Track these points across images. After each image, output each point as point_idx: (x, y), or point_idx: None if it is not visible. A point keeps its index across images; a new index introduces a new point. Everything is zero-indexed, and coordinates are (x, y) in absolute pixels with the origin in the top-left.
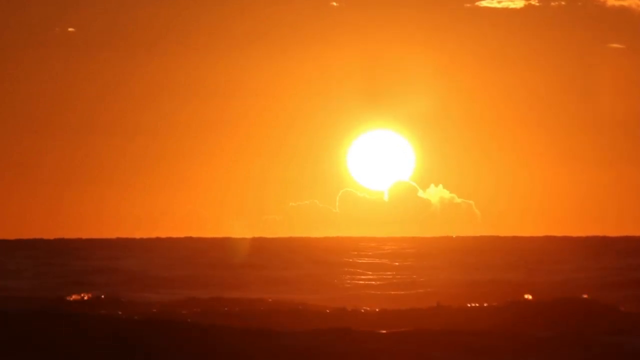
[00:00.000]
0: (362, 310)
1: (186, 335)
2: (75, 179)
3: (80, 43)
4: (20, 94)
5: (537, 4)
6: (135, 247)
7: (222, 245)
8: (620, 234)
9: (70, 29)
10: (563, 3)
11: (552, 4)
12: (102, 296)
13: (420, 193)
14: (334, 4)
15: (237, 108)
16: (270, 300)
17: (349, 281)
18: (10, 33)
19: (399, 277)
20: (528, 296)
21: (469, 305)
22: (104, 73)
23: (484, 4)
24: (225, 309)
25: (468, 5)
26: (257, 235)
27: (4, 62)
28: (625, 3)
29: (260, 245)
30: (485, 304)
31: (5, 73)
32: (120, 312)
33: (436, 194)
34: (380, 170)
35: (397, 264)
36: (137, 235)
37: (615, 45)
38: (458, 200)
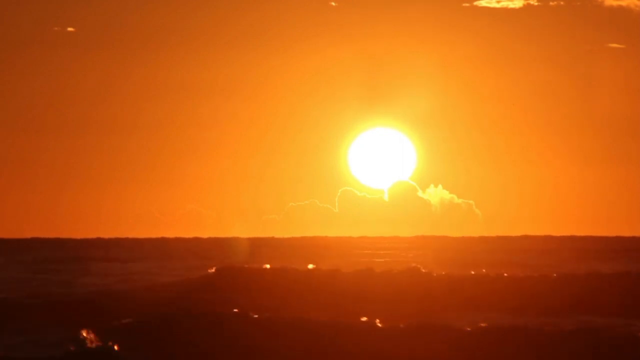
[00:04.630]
0: None
1: None
2: (74, 179)
3: (79, 43)
4: (19, 93)
5: (536, 4)
6: (135, 247)
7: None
8: (620, 235)
9: (69, 29)
10: (562, 3)
11: (551, 3)
12: None
13: (420, 193)
14: (333, 3)
15: (237, 107)
16: None
17: None
18: (9, 32)
19: None
20: None
21: None
22: (104, 72)
23: (482, 3)
24: None
25: (466, 5)
26: (256, 235)
27: (3, 61)
28: (623, 3)
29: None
30: None
31: (5, 72)
32: None
33: (436, 194)
34: (381, 169)
35: None
36: (136, 235)
37: (614, 45)
38: (458, 200)
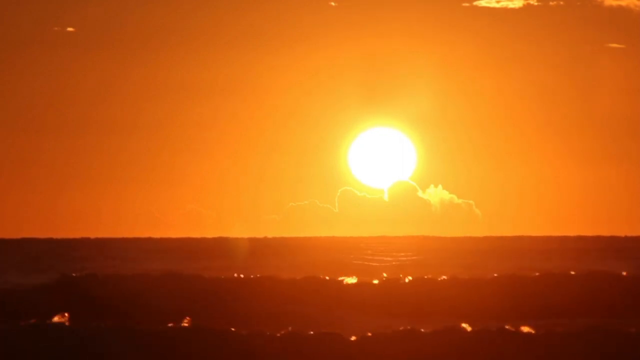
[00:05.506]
0: None
1: None
2: (74, 179)
3: (79, 43)
4: (19, 93)
5: (536, 4)
6: (135, 248)
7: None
8: (620, 235)
9: (69, 29)
10: (562, 3)
11: (551, 3)
12: None
13: (420, 193)
14: (333, 3)
15: (236, 107)
16: None
17: None
18: (9, 32)
19: None
20: None
21: None
22: (104, 72)
23: (482, 3)
24: None
25: (466, 5)
26: (256, 235)
27: (3, 61)
28: (623, 3)
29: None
30: None
31: (5, 72)
32: None
33: (436, 194)
34: (381, 169)
35: None
36: (136, 235)
37: (614, 45)
38: (458, 200)
